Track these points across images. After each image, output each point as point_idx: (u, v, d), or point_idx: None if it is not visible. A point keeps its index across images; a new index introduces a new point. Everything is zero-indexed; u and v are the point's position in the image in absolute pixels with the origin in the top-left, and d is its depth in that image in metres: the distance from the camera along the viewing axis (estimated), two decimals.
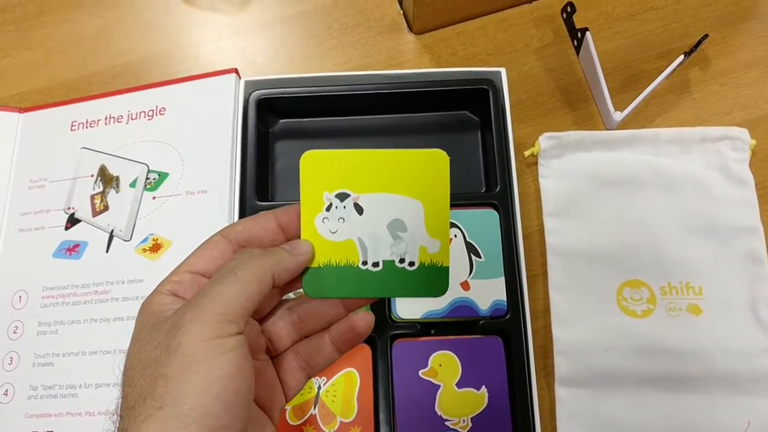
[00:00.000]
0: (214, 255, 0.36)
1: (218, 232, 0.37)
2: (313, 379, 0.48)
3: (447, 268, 0.38)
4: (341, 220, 0.38)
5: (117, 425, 0.33)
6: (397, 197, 0.38)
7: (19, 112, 0.61)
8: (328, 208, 0.38)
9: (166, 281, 0.36)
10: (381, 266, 0.38)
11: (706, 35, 0.59)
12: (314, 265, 0.38)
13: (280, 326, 0.39)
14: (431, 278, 0.38)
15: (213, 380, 0.31)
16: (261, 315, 0.39)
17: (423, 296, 0.39)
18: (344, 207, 0.38)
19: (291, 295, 0.41)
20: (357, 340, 0.40)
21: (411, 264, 0.38)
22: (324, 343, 0.39)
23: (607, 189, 0.56)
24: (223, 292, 0.33)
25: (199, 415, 0.30)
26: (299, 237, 0.37)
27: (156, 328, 0.33)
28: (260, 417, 0.36)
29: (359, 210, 0.38)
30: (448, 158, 0.38)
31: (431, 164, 0.38)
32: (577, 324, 0.53)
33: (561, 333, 0.52)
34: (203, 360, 0.31)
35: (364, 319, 0.39)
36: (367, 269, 0.38)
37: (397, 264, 0.38)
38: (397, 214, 0.38)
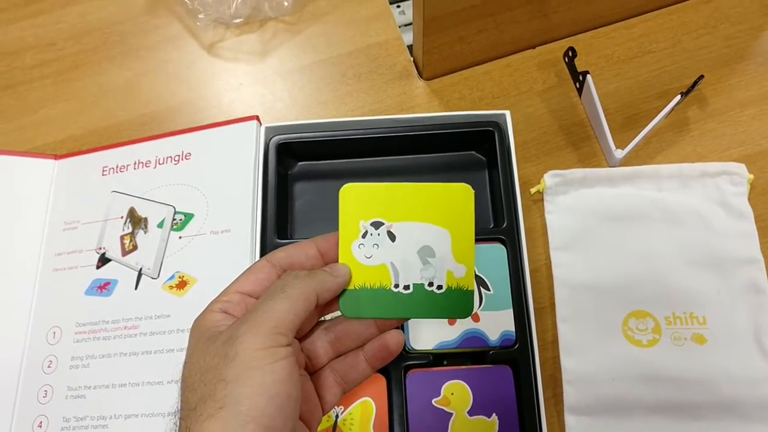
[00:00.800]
0: (260, 278, 0.40)
1: (263, 257, 0.41)
2: None
3: (472, 292, 0.41)
4: (375, 246, 0.42)
5: (178, 425, 0.36)
6: (426, 226, 0.42)
7: (55, 158, 0.64)
8: (364, 235, 0.41)
9: (217, 300, 0.40)
10: (411, 289, 0.41)
11: (702, 76, 0.62)
12: (350, 287, 0.41)
13: (318, 345, 0.42)
14: (457, 301, 0.41)
15: (268, 384, 0.34)
16: (302, 334, 0.42)
17: (450, 317, 0.42)
18: (378, 234, 0.42)
19: (327, 317, 0.44)
20: (389, 357, 0.43)
21: (439, 287, 0.41)
22: (358, 360, 0.43)
23: (611, 223, 0.58)
24: (275, 308, 0.36)
25: (256, 414, 0.34)
26: (337, 262, 0.41)
27: (212, 340, 0.36)
28: (302, 428, 0.39)
29: (392, 237, 0.42)
30: (473, 191, 0.41)
31: (458, 196, 0.42)
32: (585, 354, 0.54)
33: (569, 363, 0.54)
34: (259, 366, 0.35)
35: (395, 338, 0.42)
36: (398, 292, 0.41)
37: (426, 287, 0.41)
38: (427, 241, 0.42)
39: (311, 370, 0.43)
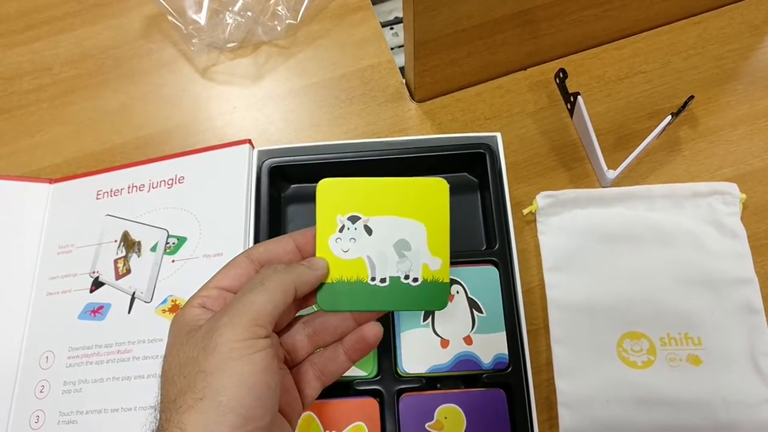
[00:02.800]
0: (239, 273, 0.41)
1: (242, 253, 0.42)
2: None
3: (447, 284, 0.43)
4: (352, 240, 0.43)
5: (158, 418, 0.37)
6: (402, 220, 0.43)
7: (50, 182, 0.65)
8: (341, 230, 0.43)
9: (196, 296, 0.41)
10: (388, 282, 0.42)
11: (692, 96, 0.62)
12: (328, 281, 0.42)
13: (297, 339, 0.44)
14: (433, 293, 0.43)
15: (247, 374, 0.35)
16: (280, 328, 0.43)
17: (425, 309, 0.44)
18: (356, 228, 0.43)
19: (305, 311, 0.45)
20: (367, 349, 0.44)
21: (415, 280, 0.43)
22: (337, 353, 0.44)
23: (604, 244, 0.58)
24: (254, 300, 0.38)
25: (235, 405, 0.35)
26: (315, 256, 0.42)
27: (192, 334, 0.38)
28: (281, 421, 0.40)
29: (369, 231, 0.43)
30: (447, 186, 0.43)
31: (433, 191, 0.43)
32: (579, 376, 0.54)
33: (564, 385, 0.54)
34: (238, 357, 0.36)
35: (372, 330, 0.43)
36: (375, 285, 0.42)
37: (402, 280, 0.42)
38: (403, 235, 0.43)
39: (291, 365, 0.44)
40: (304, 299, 0.43)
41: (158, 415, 0.37)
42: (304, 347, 0.44)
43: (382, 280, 0.43)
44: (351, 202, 0.43)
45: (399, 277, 0.43)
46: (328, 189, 0.43)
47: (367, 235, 0.43)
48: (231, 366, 0.35)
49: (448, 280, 0.43)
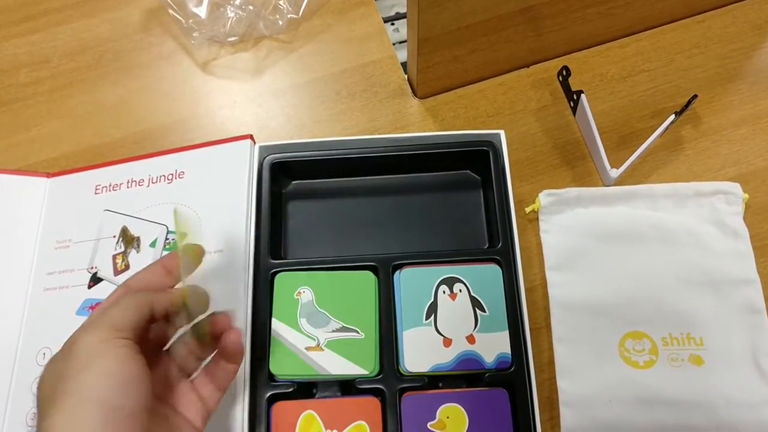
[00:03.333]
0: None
1: (120, 285, 0.45)
2: (324, 431, 0.50)
3: None
4: None
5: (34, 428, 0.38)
6: None
7: (47, 176, 0.64)
8: None
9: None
10: None
11: (696, 95, 0.62)
12: None
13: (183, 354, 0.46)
14: None
15: (110, 367, 0.37)
16: (164, 343, 0.46)
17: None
18: None
19: None
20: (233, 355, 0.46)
21: None
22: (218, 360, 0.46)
23: (607, 243, 0.58)
24: (110, 312, 0.40)
25: (98, 395, 0.36)
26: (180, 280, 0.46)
27: (58, 353, 0.40)
28: (164, 415, 0.43)
29: None
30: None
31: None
32: (581, 375, 0.54)
33: (566, 384, 0.54)
34: (98, 353, 0.38)
35: (230, 337, 0.45)
36: None
37: None
38: None
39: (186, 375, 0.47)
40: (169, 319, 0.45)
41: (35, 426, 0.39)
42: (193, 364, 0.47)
43: None
44: None
45: None
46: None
47: None
48: (93, 363, 0.37)
49: None
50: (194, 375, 0.47)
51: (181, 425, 0.43)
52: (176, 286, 0.45)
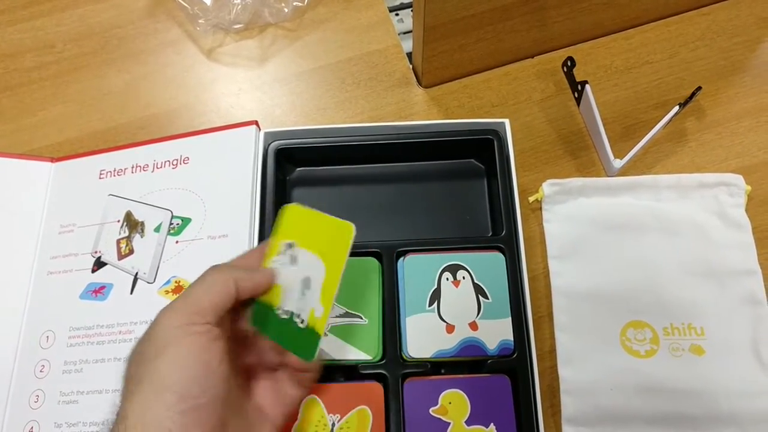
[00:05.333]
0: None
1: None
2: (327, 416, 0.50)
3: (319, 337, 0.43)
4: (283, 265, 0.44)
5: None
6: (315, 258, 0.44)
7: (52, 161, 0.64)
8: (279, 253, 0.45)
9: None
10: (287, 315, 0.43)
11: (700, 87, 0.62)
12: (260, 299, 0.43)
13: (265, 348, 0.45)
14: (307, 341, 0.43)
15: (183, 355, 0.37)
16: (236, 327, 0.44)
17: (296, 354, 0.43)
18: (286, 255, 0.45)
19: None
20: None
21: (302, 321, 0.43)
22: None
23: (610, 233, 0.58)
24: (192, 292, 0.40)
25: (170, 383, 0.36)
26: None
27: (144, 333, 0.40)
28: (239, 406, 0.42)
29: (293, 261, 0.44)
30: (353, 230, 0.43)
31: (342, 233, 0.43)
32: (583, 364, 0.54)
33: (567, 373, 0.54)
34: (174, 340, 0.37)
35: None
36: (279, 314, 0.43)
37: (294, 318, 0.43)
38: (310, 272, 0.43)
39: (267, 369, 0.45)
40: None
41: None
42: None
43: (285, 312, 0.43)
44: (297, 230, 0.45)
45: (293, 314, 0.43)
46: (289, 213, 0.45)
47: (290, 264, 0.44)
48: (168, 350, 0.37)
49: (321, 334, 0.43)
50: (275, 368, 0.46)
51: (260, 419, 0.43)
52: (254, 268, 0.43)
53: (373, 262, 0.55)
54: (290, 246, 0.44)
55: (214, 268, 0.42)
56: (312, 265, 0.43)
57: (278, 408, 0.44)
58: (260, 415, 0.43)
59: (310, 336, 0.43)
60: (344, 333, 0.53)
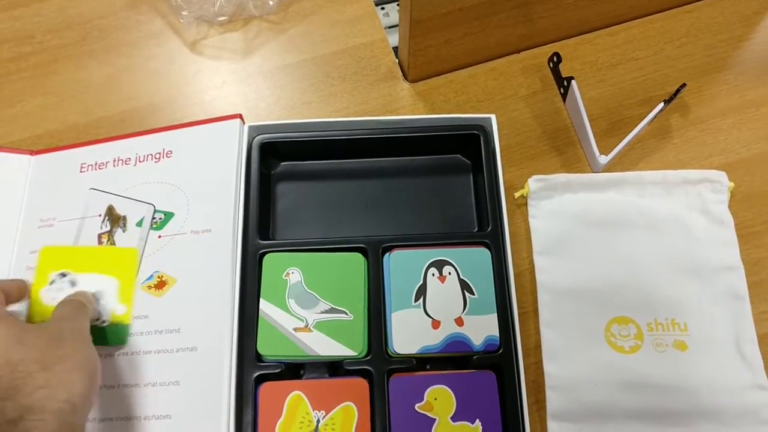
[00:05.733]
0: None
1: None
2: (312, 412, 0.50)
3: (127, 325, 0.54)
4: (60, 291, 0.54)
5: None
6: (100, 276, 0.55)
7: (31, 154, 0.63)
8: (52, 283, 0.55)
9: None
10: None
11: (684, 84, 0.63)
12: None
13: None
14: (116, 332, 0.54)
15: None
16: None
17: (110, 344, 0.54)
18: (63, 282, 0.55)
19: None
20: None
21: (104, 322, 0.54)
22: None
23: (595, 229, 0.59)
24: None
25: None
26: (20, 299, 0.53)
27: None
28: None
29: (73, 284, 0.55)
30: (137, 253, 0.56)
31: (125, 256, 0.56)
32: (568, 359, 0.54)
33: (552, 368, 0.54)
34: None
35: None
36: None
37: (94, 322, 0.53)
38: (99, 287, 0.55)
39: None
40: None
41: None
42: None
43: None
44: (67, 263, 0.55)
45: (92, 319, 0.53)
46: (45, 254, 0.56)
47: (70, 288, 0.55)
48: None
49: (129, 322, 0.54)
50: None
51: None
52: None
53: (358, 258, 0.55)
54: (63, 275, 0.55)
55: None
56: (98, 282, 0.55)
57: None
58: None
59: (119, 328, 0.54)
60: (329, 329, 0.52)
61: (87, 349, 0.47)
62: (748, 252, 0.59)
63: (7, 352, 0.43)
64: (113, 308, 0.54)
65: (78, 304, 0.51)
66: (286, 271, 0.54)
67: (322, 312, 0.53)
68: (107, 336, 0.53)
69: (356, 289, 0.54)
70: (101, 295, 0.54)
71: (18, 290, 0.53)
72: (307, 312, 0.53)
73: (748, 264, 0.57)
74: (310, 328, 0.53)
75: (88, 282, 0.55)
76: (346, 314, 0.53)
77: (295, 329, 0.53)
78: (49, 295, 0.54)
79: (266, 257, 0.55)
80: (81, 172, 0.61)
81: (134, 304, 0.55)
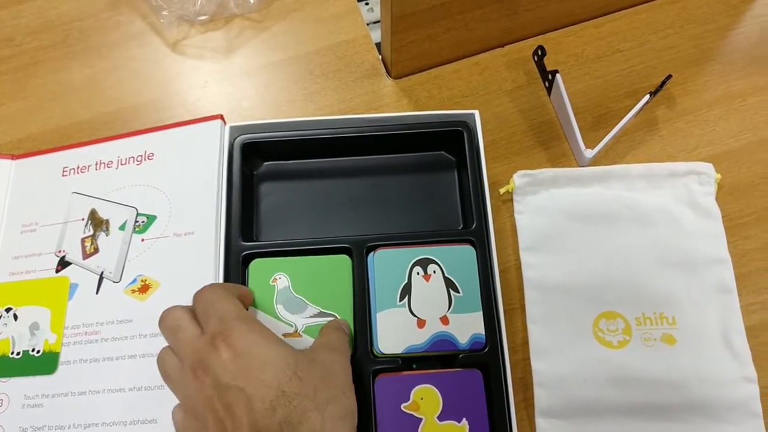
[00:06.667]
0: None
1: None
2: None
3: (57, 354, 0.54)
4: (4, 325, 0.56)
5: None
6: (36, 307, 0.56)
7: (12, 158, 0.62)
8: None
9: None
10: (21, 355, 0.55)
11: (670, 75, 0.62)
12: None
13: None
14: (48, 360, 0.54)
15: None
16: None
17: (38, 374, 0.54)
18: (7, 316, 0.56)
19: None
20: None
21: (38, 352, 0.55)
22: None
23: (581, 223, 0.58)
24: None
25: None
26: None
27: None
28: None
29: (15, 318, 0.56)
30: (68, 282, 0.57)
31: (58, 286, 0.57)
32: (556, 356, 0.54)
33: (540, 365, 0.54)
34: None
35: None
36: (12, 357, 0.54)
37: (30, 352, 0.54)
38: (35, 318, 0.56)
39: None
40: None
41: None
42: None
43: (17, 354, 0.55)
44: (7, 297, 0.57)
45: (26, 351, 0.55)
46: None
47: (14, 321, 0.56)
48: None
49: (59, 350, 0.54)
50: None
51: None
52: None
53: (344, 260, 0.54)
54: (8, 310, 0.56)
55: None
56: (35, 313, 0.56)
57: None
58: None
59: (50, 357, 0.54)
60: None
61: (353, 393, 0.44)
62: (736, 244, 0.58)
63: (282, 383, 0.39)
64: (47, 337, 0.55)
65: (345, 335, 0.49)
66: (273, 276, 0.54)
67: (310, 316, 0.53)
68: (39, 365, 0.54)
69: (344, 292, 0.54)
70: (36, 326, 0.55)
71: (248, 298, 0.51)
72: (296, 317, 0.53)
73: (736, 256, 0.57)
74: (299, 333, 0.52)
75: (26, 314, 0.56)
76: (335, 317, 0.53)
77: (285, 335, 0.52)
78: None
79: (252, 264, 0.54)
80: (63, 175, 0.61)
81: (64, 332, 0.55)
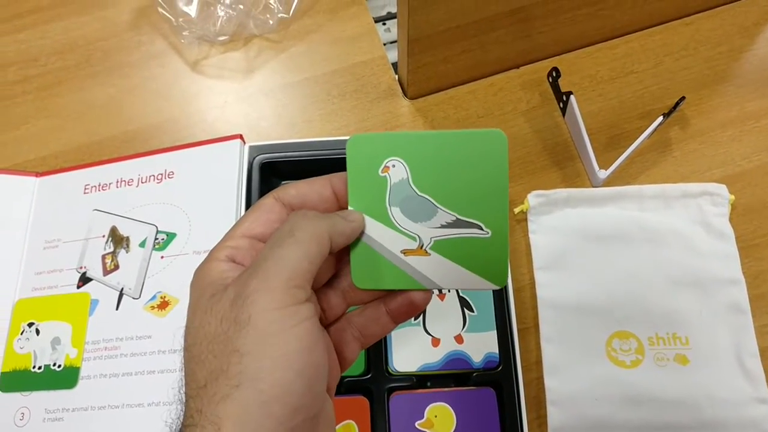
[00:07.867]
0: (271, 218, 0.34)
1: (270, 194, 0.35)
2: None
3: (78, 368, 0.56)
4: (27, 340, 0.57)
5: (185, 404, 0.30)
6: (58, 323, 0.58)
7: (36, 176, 0.64)
8: (22, 333, 0.58)
9: (222, 247, 0.34)
10: (42, 369, 0.56)
11: (684, 97, 0.63)
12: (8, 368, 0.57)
13: (331, 295, 0.36)
14: (69, 374, 0.56)
15: (292, 354, 0.29)
16: (318, 285, 0.36)
17: (59, 388, 0.55)
18: (30, 331, 0.58)
19: None
20: (414, 311, 0.36)
21: (59, 366, 0.56)
22: (380, 312, 0.36)
23: (595, 243, 0.59)
24: (286, 256, 0.30)
25: (280, 392, 0.28)
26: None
27: (216, 298, 0.31)
28: (327, 399, 0.34)
29: (38, 333, 0.58)
30: (89, 298, 0.58)
31: (79, 302, 0.58)
32: (569, 374, 0.54)
33: (553, 383, 0.54)
34: (278, 331, 0.29)
35: (421, 295, 0.36)
36: (34, 371, 0.56)
37: (51, 367, 0.56)
38: (57, 333, 0.57)
39: (326, 323, 0.36)
40: (339, 259, 0.36)
41: (184, 400, 0.30)
42: (338, 305, 0.36)
43: (39, 368, 0.56)
44: (32, 313, 0.59)
45: (48, 366, 0.56)
46: (21, 306, 0.59)
47: (36, 336, 0.57)
48: (272, 344, 0.28)
49: (80, 365, 0.56)
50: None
51: (327, 402, 0.34)
52: (344, 212, 0.35)
53: (498, 136, 0.35)
54: (30, 325, 0.58)
55: (304, 219, 0.32)
56: (56, 328, 0.57)
57: (336, 373, 0.36)
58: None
59: (71, 371, 0.56)
60: (455, 251, 0.35)
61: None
62: (750, 265, 0.58)
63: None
64: (68, 352, 0.56)
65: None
66: (384, 163, 0.35)
67: (442, 226, 0.35)
68: (60, 380, 0.55)
69: (495, 189, 0.34)
70: (57, 341, 0.57)
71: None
72: (420, 226, 0.35)
73: (750, 277, 0.57)
74: (425, 250, 0.35)
75: (48, 329, 0.58)
76: (481, 229, 0.35)
77: (404, 252, 0.35)
78: (19, 345, 0.57)
79: (351, 141, 0.36)
80: (85, 193, 0.62)
81: (84, 347, 0.56)
